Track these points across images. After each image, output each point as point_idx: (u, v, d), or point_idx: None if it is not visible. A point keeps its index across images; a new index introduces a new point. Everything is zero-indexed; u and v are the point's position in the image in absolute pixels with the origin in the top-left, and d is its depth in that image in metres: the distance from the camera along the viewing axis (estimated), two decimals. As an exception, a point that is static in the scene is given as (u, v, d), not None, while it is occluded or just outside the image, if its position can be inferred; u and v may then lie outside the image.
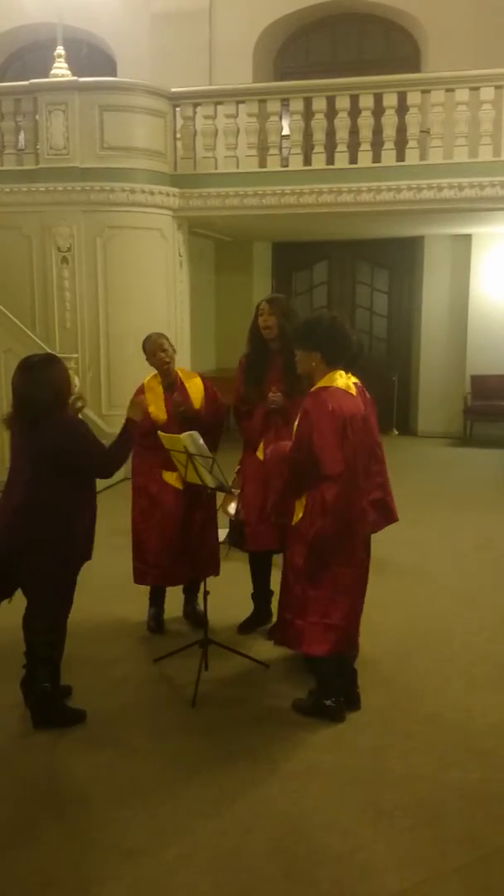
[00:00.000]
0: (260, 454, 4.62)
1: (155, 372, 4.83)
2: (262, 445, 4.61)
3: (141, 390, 4.78)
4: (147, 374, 4.90)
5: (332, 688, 3.86)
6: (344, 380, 3.78)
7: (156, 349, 4.75)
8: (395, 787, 3.38)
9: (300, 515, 3.75)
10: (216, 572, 4.80)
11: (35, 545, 3.65)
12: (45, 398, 3.64)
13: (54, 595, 3.75)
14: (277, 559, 4.67)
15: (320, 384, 3.75)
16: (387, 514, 4.30)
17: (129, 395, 4.83)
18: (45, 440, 3.63)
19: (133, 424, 4.03)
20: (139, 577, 4.90)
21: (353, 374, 3.91)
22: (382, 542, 4.36)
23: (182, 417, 4.63)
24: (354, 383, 3.86)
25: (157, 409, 4.71)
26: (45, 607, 3.77)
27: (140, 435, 4.40)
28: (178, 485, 4.66)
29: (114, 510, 5.55)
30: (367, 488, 3.96)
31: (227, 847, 3.01)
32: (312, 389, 3.77)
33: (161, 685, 4.27)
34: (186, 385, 4.82)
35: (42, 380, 3.67)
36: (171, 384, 4.79)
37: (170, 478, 4.71)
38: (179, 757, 3.60)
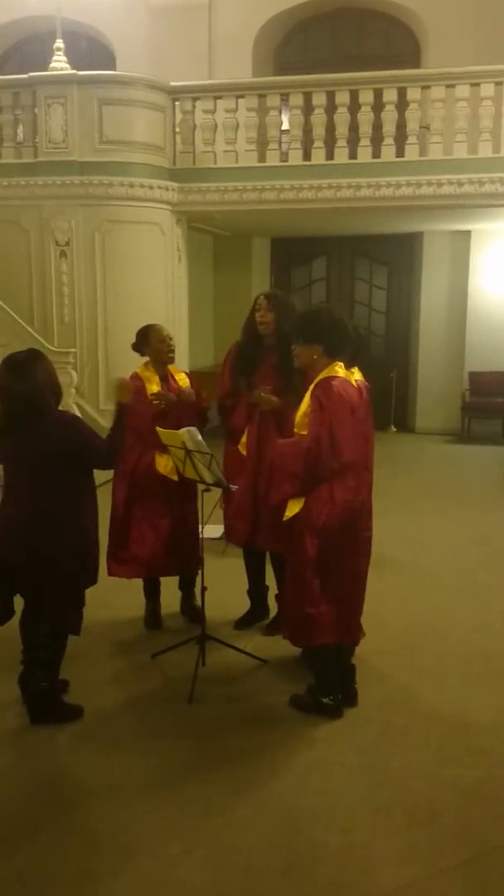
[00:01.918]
0: (242, 448, 4.61)
1: (145, 361, 4.82)
2: (244, 439, 4.61)
3: (136, 377, 4.75)
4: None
5: (330, 684, 3.86)
6: (345, 371, 3.78)
7: (163, 337, 4.76)
8: (393, 784, 3.38)
9: (296, 509, 3.74)
10: (199, 566, 4.65)
11: (52, 547, 3.59)
12: (43, 395, 3.59)
13: (69, 599, 3.71)
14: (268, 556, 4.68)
15: (324, 374, 3.73)
16: None
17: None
18: (47, 439, 3.57)
19: (124, 408, 3.90)
20: (113, 570, 4.76)
21: (359, 371, 3.91)
22: (380, 539, 4.35)
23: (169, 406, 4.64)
24: (357, 381, 3.86)
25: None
26: (58, 612, 3.72)
27: (134, 418, 4.37)
28: (173, 476, 4.63)
29: (105, 505, 5.54)
30: (368, 480, 3.95)
31: (225, 843, 3.01)
32: (319, 379, 3.71)
33: (158, 681, 4.26)
34: (178, 381, 4.83)
35: (37, 376, 3.59)
36: (165, 376, 4.80)
37: (163, 467, 4.68)
38: (177, 753, 3.59)
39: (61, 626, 3.76)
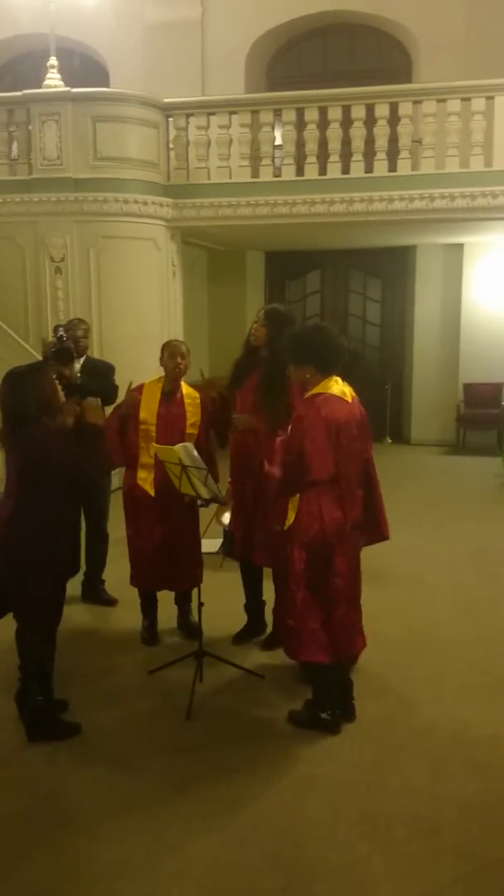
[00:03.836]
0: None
1: (159, 375, 4.84)
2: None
3: (139, 389, 4.78)
4: (150, 377, 4.90)
5: (329, 700, 3.86)
6: (339, 386, 3.80)
7: (175, 353, 4.79)
8: (392, 799, 3.37)
9: (291, 519, 3.76)
10: (198, 582, 4.69)
11: (22, 559, 3.64)
12: (27, 408, 3.63)
13: (43, 609, 3.72)
14: (268, 570, 4.68)
15: (315, 390, 3.77)
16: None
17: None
18: (26, 450, 3.64)
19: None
20: (132, 580, 4.94)
21: (350, 385, 3.92)
22: (377, 552, 4.36)
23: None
24: (352, 395, 3.88)
25: (147, 411, 4.72)
26: (35, 621, 3.74)
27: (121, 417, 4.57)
28: (151, 490, 4.68)
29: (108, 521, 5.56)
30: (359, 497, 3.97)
31: (224, 861, 3.01)
32: (306, 396, 3.78)
33: (156, 697, 4.26)
34: (185, 400, 4.81)
35: (24, 389, 3.65)
36: (172, 392, 4.80)
37: (143, 481, 4.72)
38: (174, 770, 3.58)
39: (42, 634, 3.75)
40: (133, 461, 4.76)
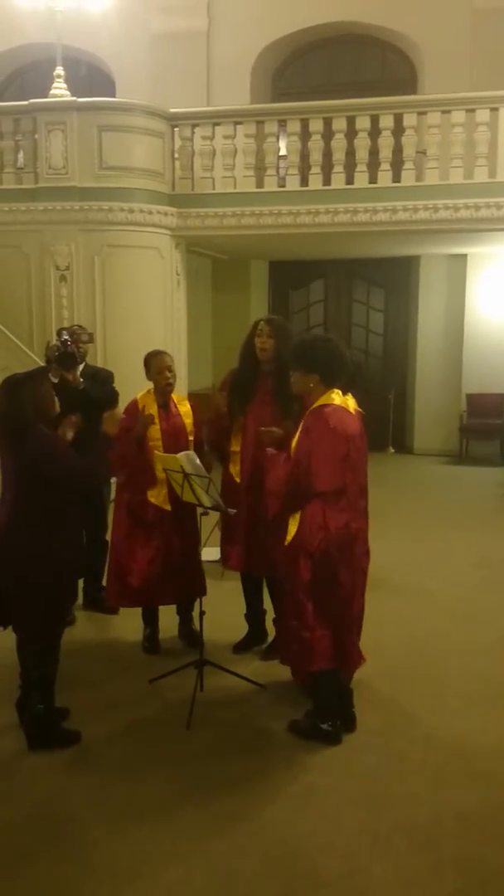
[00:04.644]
0: (236, 475, 4.65)
1: (149, 388, 4.84)
2: (237, 467, 4.65)
3: (134, 405, 4.78)
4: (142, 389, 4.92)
5: (330, 710, 3.85)
6: (341, 398, 3.80)
7: (162, 368, 4.77)
8: (392, 809, 3.37)
9: (293, 533, 3.76)
10: (203, 592, 4.72)
11: (20, 564, 3.64)
12: (24, 414, 3.64)
13: (43, 616, 3.72)
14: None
15: (320, 402, 3.76)
16: None
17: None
18: (25, 455, 3.65)
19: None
20: (115, 599, 4.89)
21: (353, 397, 3.93)
22: (379, 561, 4.36)
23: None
24: (354, 408, 3.89)
25: (152, 429, 4.71)
26: (35, 629, 3.74)
27: (127, 450, 4.56)
28: (166, 505, 4.67)
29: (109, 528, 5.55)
30: (363, 507, 3.97)
31: (224, 870, 3.00)
32: (314, 407, 3.77)
33: (156, 706, 4.25)
34: (179, 408, 4.84)
35: (21, 396, 3.66)
36: (166, 403, 4.81)
37: (155, 497, 4.71)
38: (175, 779, 3.58)
39: (42, 642, 3.75)
40: (140, 478, 4.73)
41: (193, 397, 5.09)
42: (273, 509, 3.96)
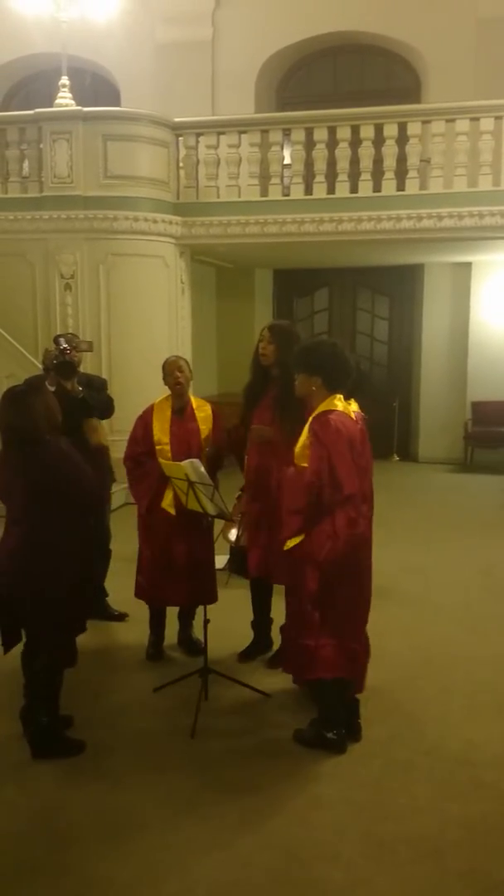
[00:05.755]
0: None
1: (167, 394, 4.86)
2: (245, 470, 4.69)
3: (150, 411, 4.80)
4: (159, 395, 4.92)
5: (335, 719, 3.84)
6: (343, 404, 3.80)
7: (173, 369, 4.80)
8: (397, 819, 3.35)
9: (297, 540, 3.74)
10: (213, 599, 4.73)
11: (34, 581, 3.60)
12: (36, 425, 3.60)
13: (60, 631, 3.70)
14: (279, 587, 4.66)
15: (322, 408, 3.76)
16: None
17: (132, 421, 4.87)
18: (35, 469, 3.60)
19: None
20: (138, 591, 4.93)
21: (357, 403, 3.92)
22: (384, 569, 4.35)
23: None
24: (355, 412, 3.88)
25: (161, 431, 4.73)
26: (48, 645, 3.72)
27: (139, 455, 4.62)
28: (171, 510, 4.67)
29: (112, 536, 5.55)
30: (367, 512, 3.95)
31: (227, 880, 2.98)
32: (317, 413, 3.75)
33: (160, 715, 4.24)
34: (197, 413, 4.84)
35: (32, 409, 3.61)
36: (182, 408, 4.82)
37: (163, 502, 4.71)
38: (179, 789, 3.57)
39: (53, 659, 3.74)
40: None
41: (218, 405, 5.02)
42: (287, 522, 3.83)
